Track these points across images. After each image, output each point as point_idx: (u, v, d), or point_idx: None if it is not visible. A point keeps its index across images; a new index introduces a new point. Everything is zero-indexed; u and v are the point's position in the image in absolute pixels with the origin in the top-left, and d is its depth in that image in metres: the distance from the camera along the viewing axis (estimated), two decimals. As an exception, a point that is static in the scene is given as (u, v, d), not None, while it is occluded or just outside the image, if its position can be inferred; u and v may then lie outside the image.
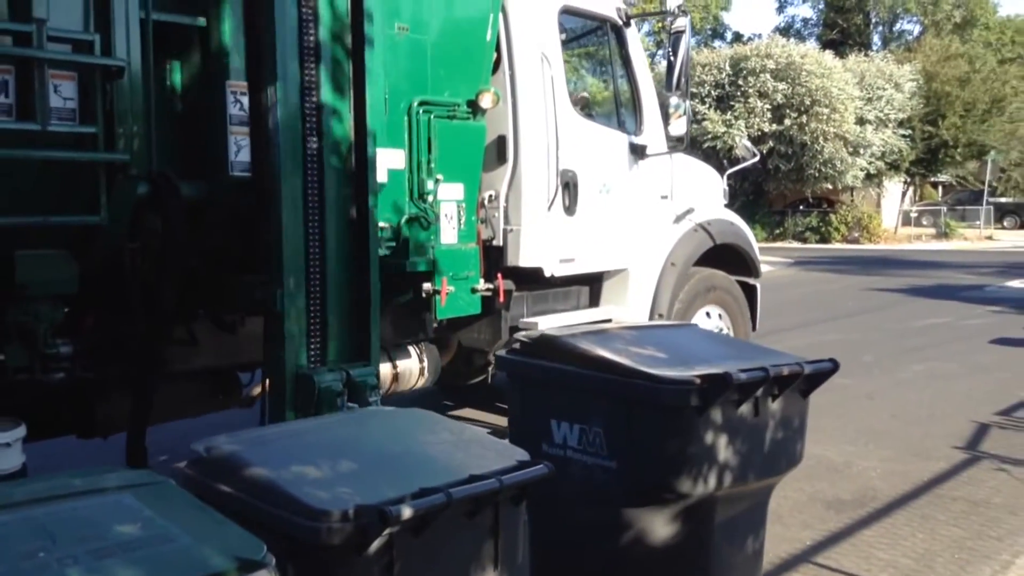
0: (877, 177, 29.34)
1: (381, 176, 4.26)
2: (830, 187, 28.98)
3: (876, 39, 44.99)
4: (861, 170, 27.17)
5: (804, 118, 25.77)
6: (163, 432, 4.41)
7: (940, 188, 42.13)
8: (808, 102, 25.57)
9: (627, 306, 5.71)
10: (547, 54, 5.15)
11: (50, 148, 3.22)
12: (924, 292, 15.05)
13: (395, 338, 5.09)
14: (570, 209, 5.30)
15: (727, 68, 26.67)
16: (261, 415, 4.23)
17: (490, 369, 5.40)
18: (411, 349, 5.21)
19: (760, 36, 22.06)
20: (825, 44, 36.17)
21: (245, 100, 3.69)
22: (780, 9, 69.95)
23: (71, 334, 3.63)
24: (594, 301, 5.78)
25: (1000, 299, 14.10)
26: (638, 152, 5.75)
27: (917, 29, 44.65)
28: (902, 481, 5.24)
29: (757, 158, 6.90)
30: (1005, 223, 36.86)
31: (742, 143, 6.55)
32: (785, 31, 42.75)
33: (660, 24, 27.29)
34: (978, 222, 33.56)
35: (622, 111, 5.86)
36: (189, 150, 3.70)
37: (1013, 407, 6.88)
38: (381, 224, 4.50)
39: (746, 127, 25.22)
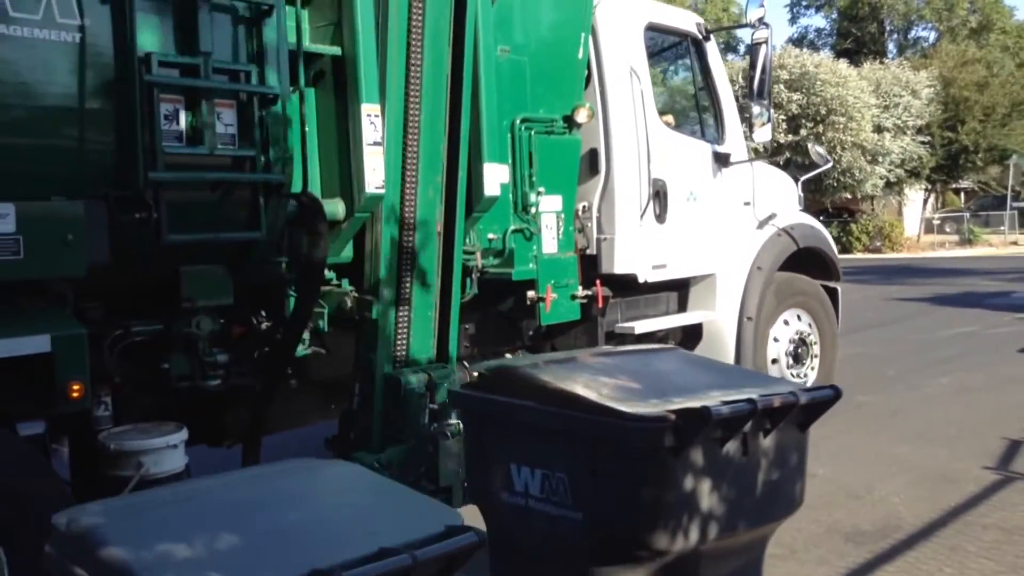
0: (897, 185, 29.44)
1: (494, 190, 4.68)
2: (849, 196, 29.03)
3: (891, 47, 45.20)
4: (880, 178, 27.24)
5: (820, 127, 25.81)
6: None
7: (963, 194, 42.04)
8: (824, 111, 25.62)
9: (716, 310, 6.04)
10: (635, 69, 5.53)
11: (216, 171, 3.66)
12: (949, 301, 14.83)
13: (494, 346, 5.48)
14: (660, 217, 5.65)
15: (740, 80, 26.96)
16: (340, 423, 4.67)
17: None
18: (508, 356, 5.60)
19: (774, 48, 22.39)
20: (839, 53, 36.37)
21: (379, 122, 4.10)
22: (793, 20, 70.11)
23: (226, 344, 4.05)
24: (682, 306, 6.11)
25: (1027, 305, 14.00)
26: (721, 160, 6.09)
27: (932, 36, 44.91)
28: (928, 508, 4.88)
29: (831, 164, 7.24)
30: None
31: (814, 149, 6.88)
32: (798, 42, 42.99)
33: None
34: (1002, 227, 33.52)
35: (705, 121, 6.23)
36: (331, 170, 4.11)
37: (1047, 420, 6.51)
38: (489, 236, 4.93)
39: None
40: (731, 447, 2.83)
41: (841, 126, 25.55)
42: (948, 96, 30.22)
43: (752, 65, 5.88)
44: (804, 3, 48.16)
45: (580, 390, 2.89)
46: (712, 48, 6.15)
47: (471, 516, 2.73)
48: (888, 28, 45.90)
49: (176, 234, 3.48)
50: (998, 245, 31.36)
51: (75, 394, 3.25)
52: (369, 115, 4.04)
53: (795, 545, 4.40)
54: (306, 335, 4.21)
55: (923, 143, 28.37)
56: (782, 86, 25.81)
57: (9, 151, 3.17)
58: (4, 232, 3.07)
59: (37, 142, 3.24)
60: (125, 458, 3.61)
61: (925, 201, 34.89)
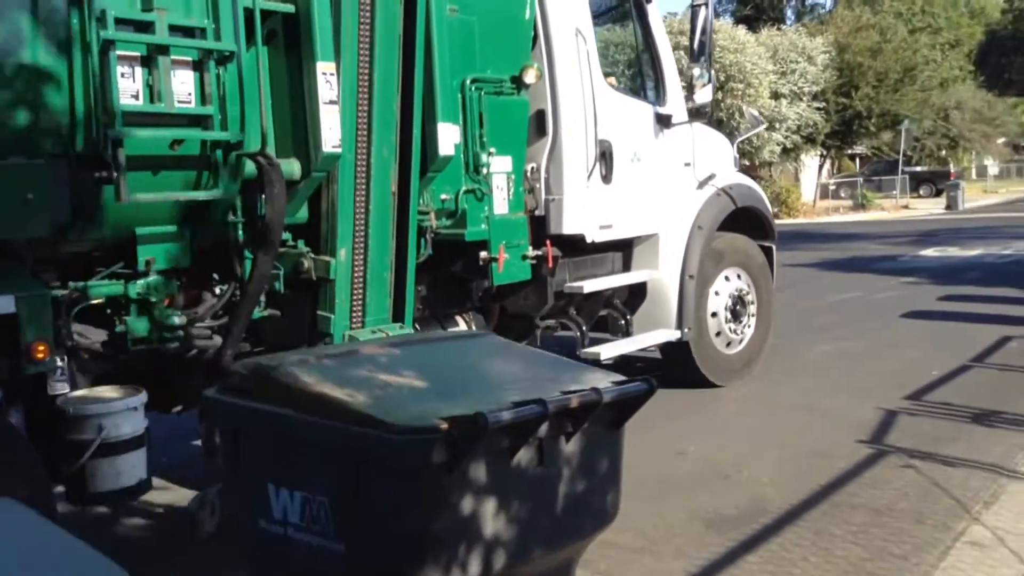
0: (794, 151, 30.22)
1: (448, 149, 4.76)
2: (748, 163, 29.78)
3: (789, 13, 46.51)
4: (778, 145, 27.86)
5: (720, 94, 26.13)
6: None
7: (858, 160, 43.61)
8: (723, 78, 26.03)
9: (659, 269, 6.24)
10: (581, 30, 5.63)
11: (174, 128, 3.66)
12: (838, 266, 14.91)
13: (445, 308, 5.59)
14: (607, 178, 5.80)
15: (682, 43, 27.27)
16: None
17: (537, 332, 5.91)
18: (459, 319, 5.68)
19: (676, 15, 22.72)
20: (739, 20, 37.06)
21: (334, 80, 4.14)
22: (694, -14, 70.90)
23: (182, 307, 4.07)
24: (626, 266, 6.30)
25: (914, 269, 14.17)
26: (663, 122, 6.25)
27: (830, 2, 46.40)
28: (798, 487, 4.66)
29: (765, 125, 7.51)
30: (921, 191, 38.15)
31: (748, 112, 7.13)
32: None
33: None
34: (894, 192, 34.62)
35: (647, 83, 6.39)
36: (286, 129, 4.13)
37: (922, 390, 6.51)
38: (442, 196, 5.02)
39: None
40: (523, 457, 2.48)
41: (740, 92, 25.95)
42: (843, 62, 30.98)
43: (692, 28, 6.06)
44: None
45: (342, 395, 2.47)
46: (653, 10, 6.30)
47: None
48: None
49: (135, 193, 3.49)
50: (890, 209, 32.32)
51: (39, 355, 3.27)
52: (324, 73, 4.06)
53: (654, 534, 4.18)
54: (262, 297, 4.26)
55: (818, 109, 29.10)
56: (682, 52, 25.82)
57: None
58: (-37, 191, 3.05)
59: (-8, 99, 3.22)
60: (86, 422, 3.64)
61: (821, 167, 35.93)
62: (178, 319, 3.95)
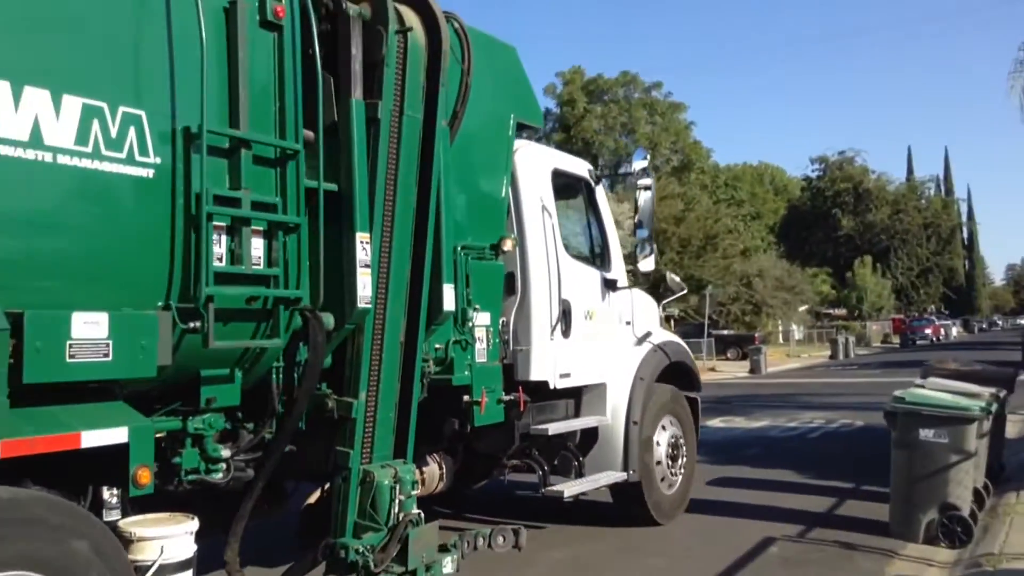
0: None
1: (450, 306, 5.65)
2: None
3: (604, 183, 51.63)
4: None
5: None
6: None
7: (672, 322, 47.13)
8: None
9: (607, 415, 7.20)
10: (546, 206, 6.74)
11: (250, 285, 4.44)
12: None
13: (419, 447, 6.34)
14: (566, 332, 6.79)
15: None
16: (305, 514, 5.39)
17: (503, 471, 6.69)
18: (429, 458, 6.45)
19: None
20: None
21: (369, 248, 5.01)
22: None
23: (228, 440, 4.71)
24: (577, 411, 7.24)
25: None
26: (610, 285, 7.36)
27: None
28: None
29: (685, 290, 8.75)
30: (728, 354, 40.74)
31: (671, 277, 8.35)
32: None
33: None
34: (701, 354, 36.53)
35: (596, 252, 7.53)
36: (330, 286, 4.93)
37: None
38: (436, 346, 5.87)
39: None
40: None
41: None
42: (649, 228, 34.34)
43: (636, 206, 7.27)
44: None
45: None
46: (600, 190, 7.51)
47: None
48: (600, 164, 51.57)
49: (220, 340, 4.22)
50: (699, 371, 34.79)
51: (144, 480, 3.89)
52: (362, 241, 4.95)
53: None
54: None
55: (628, 271, 31.65)
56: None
57: (92, 266, 3.86)
58: (98, 337, 3.74)
59: (116, 259, 3.94)
60: (146, 544, 4.20)
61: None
62: (225, 452, 4.61)
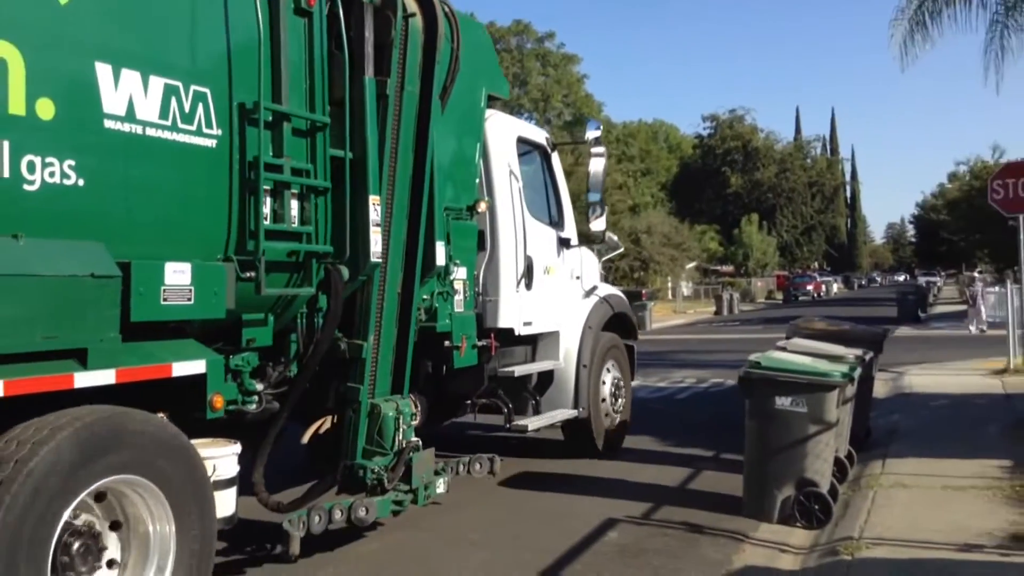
0: None
1: (441, 261, 6.51)
2: None
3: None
4: None
5: None
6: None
7: None
8: None
9: (560, 359, 8.21)
10: (513, 170, 7.63)
11: (291, 241, 5.21)
12: None
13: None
14: (528, 285, 7.73)
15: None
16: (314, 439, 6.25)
17: (472, 410, 7.62)
18: (409, 397, 7.32)
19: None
20: None
21: (379, 208, 5.80)
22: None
23: (259, 377, 5.48)
24: (534, 356, 8.22)
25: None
26: (564, 243, 8.35)
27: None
28: None
29: (621, 248, 9.80)
30: None
31: (610, 236, 9.35)
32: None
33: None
34: None
35: (552, 213, 8.47)
36: (348, 243, 5.71)
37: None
38: (423, 296, 6.72)
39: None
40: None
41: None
42: (538, 185, 35.75)
43: (590, 173, 8.23)
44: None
45: None
46: (556, 157, 8.43)
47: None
48: (491, 114, 53.05)
49: (269, 288, 5.00)
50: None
51: (218, 405, 4.67)
52: (373, 203, 5.76)
53: None
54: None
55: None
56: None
57: (173, 223, 4.59)
58: (183, 283, 4.49)
59: (189, 217, 4.67)
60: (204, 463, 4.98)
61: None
62: (258, 386, 5.39)
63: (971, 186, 52.02)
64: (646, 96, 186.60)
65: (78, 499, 3.91)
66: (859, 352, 7.41)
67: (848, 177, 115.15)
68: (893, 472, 7.77)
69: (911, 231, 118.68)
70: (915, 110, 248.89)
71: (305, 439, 6.59)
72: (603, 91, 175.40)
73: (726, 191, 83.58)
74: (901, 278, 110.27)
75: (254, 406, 5.37)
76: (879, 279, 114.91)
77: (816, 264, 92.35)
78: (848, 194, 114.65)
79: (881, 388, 13.02)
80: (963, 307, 39.77)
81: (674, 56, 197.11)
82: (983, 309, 26.96)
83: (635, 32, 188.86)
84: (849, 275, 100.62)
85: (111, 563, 4.22)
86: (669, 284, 56.59)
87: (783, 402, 6.58)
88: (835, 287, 78.98)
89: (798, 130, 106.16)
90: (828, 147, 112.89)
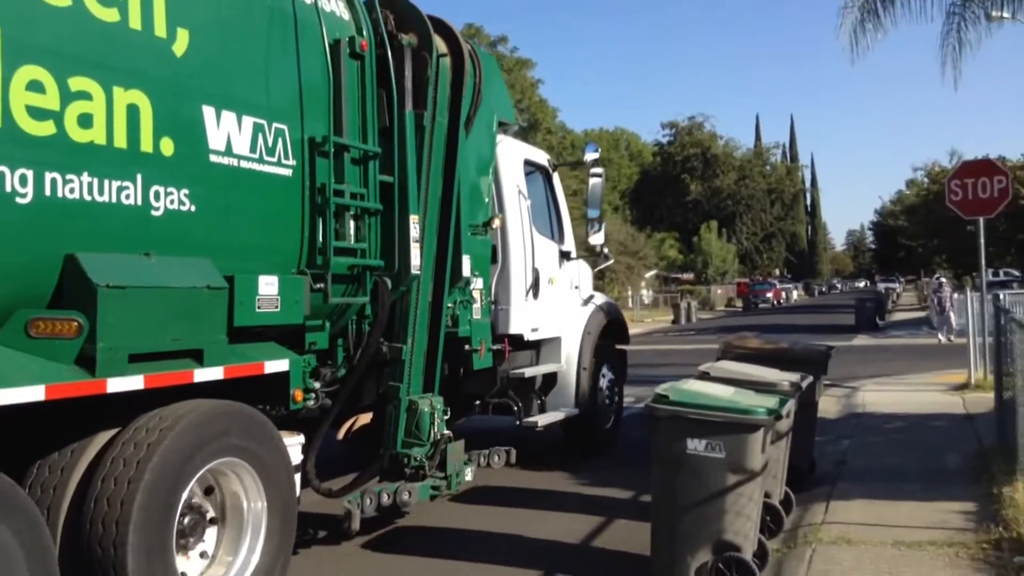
0: None
1: (467, 272, 7.46)
2: None
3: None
4: None
5: None
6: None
7: None
8: None
9: (562, 363, 9.20)
10: (521, 190, 8.61)
11: (351, 256, 6.13)
12: None
13: (419, 388, 8.13)
14: (536, 295, 8.71)
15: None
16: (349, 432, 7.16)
17: (485, 408, 8.58)
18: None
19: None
20: None
21: (418, 226, 6.73)
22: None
23: (315, 376, 6.36)
24: (537, 360, 9.18)
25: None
26: (565, 256, 9.35)
27: None
28: None
29: (611, 261, 10.82)
30: None
31: (604, 251, 10.38)
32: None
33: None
34: None
35: (553, 228, 9.46)
36: (397, 257, 6.61)
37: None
38: (448, 304, 7.66)
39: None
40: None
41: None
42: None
43: (588, 191, 9.24)
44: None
45: None
46: (556, 177, 9.44)
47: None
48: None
49: (336, 298, 5.92)
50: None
51: (299, 398, 5.58)
52: (414, 222, 6.69)
53: None
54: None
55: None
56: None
57: (260, 241, 5.49)
58: (272, 293, 5.39)
59: (272, 236, 5.58)
60: (272, 452, 5.87)
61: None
62: (316, 384, 6.28)
63: (929, 191, 53.75)
64: (607, 106, 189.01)
65: (195, 477, 4.79)
66: (795, 378, 6.38)
67: (808, 184, 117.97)
68: (837, 520, 6.76)
69: (871, 238, 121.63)
70: (873, 117, 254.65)
71: (340, 435, 7.51)
72: (563, 100, 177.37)
73: (686, 198, 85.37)
74: (861, 284, 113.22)
75: (311, 402, 6.26)
76: (839, 285, 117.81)
77: (777, 271, 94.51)
78: (808, 201, 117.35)
79: (832, 406, 12.79)
80: (922, 313, 41.29)
81: (635, 65, 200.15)
82: (952, 316, 26.63)
83: (594, 41, 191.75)
84: (810, 282, 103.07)
85: (214, 528, 5.12)
86: (629, 293, 57.79)
87: (695, 445, 5.47)
88: (795, 294, 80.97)
89: (758, 137, 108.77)
90: (788, 154, 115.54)
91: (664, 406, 5.57)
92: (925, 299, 45.38)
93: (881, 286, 67.06)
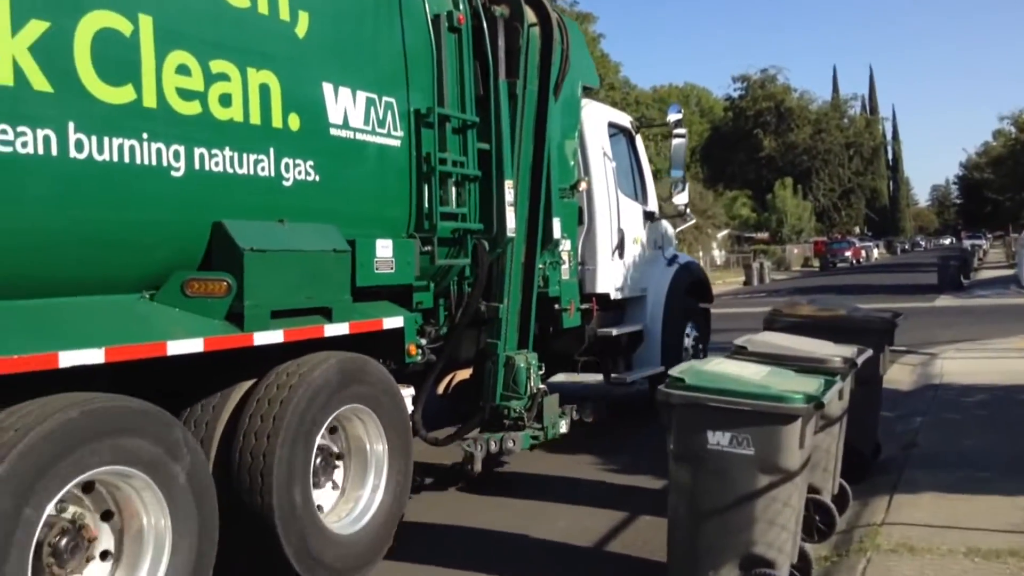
0: None
1: (558, 234, 8.01)
2: None
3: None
4: None
5: None
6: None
7: None
8: None
9: (648, 320, 9.73)
10: (606, 152, 9.11)
11: (454, 221, 6.72)
12: None
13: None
14: (621, 255, 9.24)
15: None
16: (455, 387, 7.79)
17: (577, 366, 9.17)
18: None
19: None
20: None
21: (513, 191, 7.29)
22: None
23: (421, 334, 6.98)
24: (620, 320, 9.72)
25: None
26: (649, 216, 9.84)
27: None
28: None
29: (693, 221, 11.27)
30: None
31: (686, 211, 10.83)
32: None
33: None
34: None
35: (637, 189, 9.95)
36: (495, 221, 7.19)
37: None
38: (539, 265, 8.23)
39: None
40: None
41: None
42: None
43: (672, 151, 9.70)
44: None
45: None
46: (639, 138, 9.91)
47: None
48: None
49: (441, 259, 6.52)
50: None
51: (414, 352, 6.20)
52: (509, 187, 7.25)
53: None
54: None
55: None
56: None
57: (375, 207, 6.10)
58: (387, 256, 6.00)
59: (385, 202, 6.18)
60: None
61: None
62: (422, 341, 6.90)
63: (1017, 140, 52.42)
64: (676, 61, 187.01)
65: (331, 417, 5.45)
66: (850, 353, 5.55)
67: (889, 137, 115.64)
68: (900, 521, 5.88)
69: (956, 192, 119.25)
70: (957, 67, 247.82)
71: (440, 390, 8.15)
72: (628, 56, 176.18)
73: (758, 154, 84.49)
74: (947, 241, 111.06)
75: (419, 358, 6.89)
76: (923, 243, 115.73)
77: (856, 229, 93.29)
78: (889, 155, 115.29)
79: (906, 376, 11.82)
80: (1010, 271, 40.63)
81: (704, 18, 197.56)
82: None
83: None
84: (892, 240, 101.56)
85: (340, 469, 5.79)
86: (700, 254, 57.77)
87: (718, 439, 4.59)
88: (876, 253, 79.81)
89: (835, 90, 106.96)
90: (867, 106, 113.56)
91: (679, 391, 4.65)
92: (1013, 256, 44.60)
93: (967, 243, 65.91)
